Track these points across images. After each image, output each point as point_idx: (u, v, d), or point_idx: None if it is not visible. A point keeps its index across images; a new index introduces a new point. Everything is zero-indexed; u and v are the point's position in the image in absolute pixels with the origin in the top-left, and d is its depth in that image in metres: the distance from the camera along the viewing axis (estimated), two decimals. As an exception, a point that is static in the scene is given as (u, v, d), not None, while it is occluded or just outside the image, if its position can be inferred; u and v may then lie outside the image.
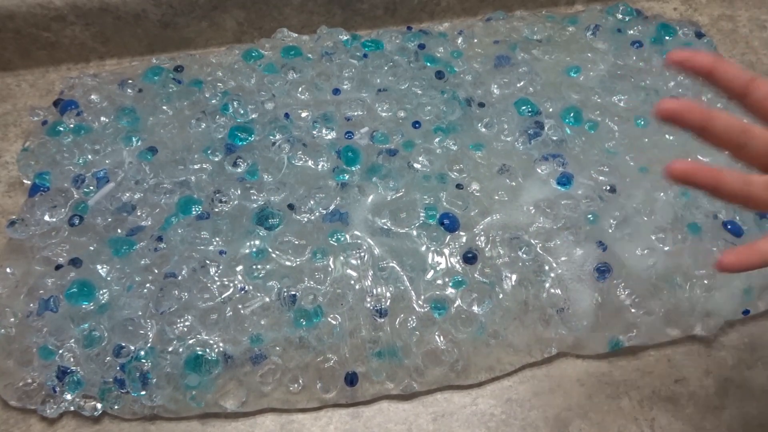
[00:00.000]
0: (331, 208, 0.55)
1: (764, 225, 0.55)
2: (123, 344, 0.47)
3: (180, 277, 0.50)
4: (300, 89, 0.64)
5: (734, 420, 0.47)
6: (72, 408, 0.47)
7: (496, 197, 0.56)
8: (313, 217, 0.54)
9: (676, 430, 0.47)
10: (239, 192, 0.56)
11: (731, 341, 0.52)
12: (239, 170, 0.57)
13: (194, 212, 0.55)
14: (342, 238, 0.53)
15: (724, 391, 0.49)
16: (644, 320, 0.50)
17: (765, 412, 0.48)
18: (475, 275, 0.51)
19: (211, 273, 0.50)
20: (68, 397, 0.47)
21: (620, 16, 0.72)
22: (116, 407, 0.46)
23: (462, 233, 0.53)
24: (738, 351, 0.51)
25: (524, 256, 0.52)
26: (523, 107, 0.62)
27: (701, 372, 0.50)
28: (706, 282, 0.51)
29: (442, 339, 0.49)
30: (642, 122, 0.61)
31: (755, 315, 0.52)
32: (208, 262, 0.51)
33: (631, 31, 0.70)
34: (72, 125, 0.61)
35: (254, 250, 0.52)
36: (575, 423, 0.47)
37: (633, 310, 0.50)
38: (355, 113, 0.62)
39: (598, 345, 0.50)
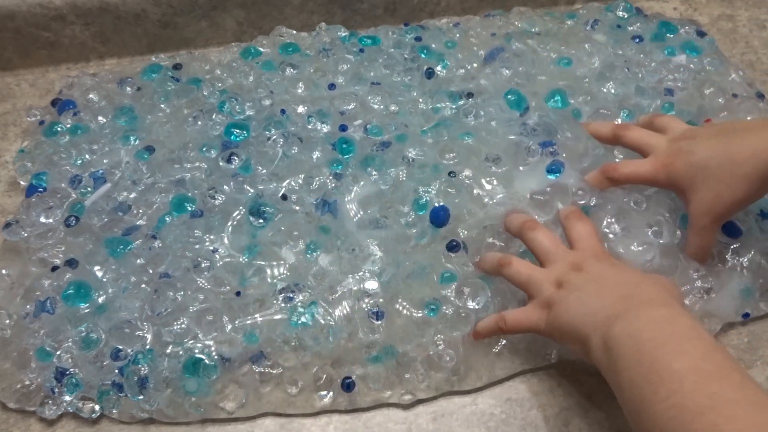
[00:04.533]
0: (322, 197, 0.54)
1: (765, 225, 0.54)
2: (120, 347, 0.47)
3: (173, 278, 0.50)
4: (298, 85, 0.63)
5: (734, 420, 0.47)
6: (70, 409, 0.47)
7: (488, 188, 0.54)
8: (305, 209, 0.54)
9: (676, 431, 0.47)
10: (232, 185, 0.55)
11: (731, 341, 0.51)
12: (232, 166, 0.57)
13: (188, 209, 0.54)
14: (335, 232, 0.52)
15: (724, 391, 0.49)
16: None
17: (765, 412, 0.48)
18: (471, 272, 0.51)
19: (205, 273, 0.50)
20: (67, 398, 0.46)
21: (621, 14, 0.71)
22: (114, 411, 0.46)
23: (456, 227, 0.52)
24: (738, 351, 0.51)
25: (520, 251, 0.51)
26: (512, 96, 0.61)
27: (701, 372, 0.50)
28: (704, 284, 0.51)
29: (440, 343, 0.48)
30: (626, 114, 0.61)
31: (754, 315, 0.52)
32: (203, 264, 0.50)
33: (632, 28, 0.70)
34: (69, 125, 0.61)
35: (247, 244, 0.52)
36: (575, 422, 0.47)
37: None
38: (349, 106, 0.62)
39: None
